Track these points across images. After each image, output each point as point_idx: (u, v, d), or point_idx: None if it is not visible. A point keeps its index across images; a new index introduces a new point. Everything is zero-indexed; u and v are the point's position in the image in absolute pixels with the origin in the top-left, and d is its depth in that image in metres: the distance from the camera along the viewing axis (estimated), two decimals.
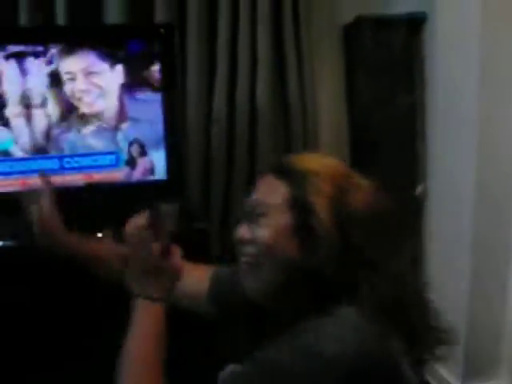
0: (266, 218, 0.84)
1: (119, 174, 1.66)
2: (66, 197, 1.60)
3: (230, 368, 0.85)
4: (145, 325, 0.84)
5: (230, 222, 2.04)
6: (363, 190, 0.84)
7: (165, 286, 0.87)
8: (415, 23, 2.02)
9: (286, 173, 0.85)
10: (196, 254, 1.62)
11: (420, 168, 2.13)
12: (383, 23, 2.01)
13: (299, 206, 0.81)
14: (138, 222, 0.87)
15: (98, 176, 1.64)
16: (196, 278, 1.07)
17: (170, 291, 0.87)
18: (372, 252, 0.80)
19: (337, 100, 2.14)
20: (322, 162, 0.87)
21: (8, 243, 1.58)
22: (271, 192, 0.85)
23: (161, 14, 1.88)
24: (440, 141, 2.03)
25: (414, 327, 0.80)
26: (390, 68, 2.06)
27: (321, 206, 0.80)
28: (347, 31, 2.08)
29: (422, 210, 2.14)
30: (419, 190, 2.10)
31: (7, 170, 1.60)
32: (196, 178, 1.97)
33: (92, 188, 1.63)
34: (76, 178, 1.63)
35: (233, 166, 2.02)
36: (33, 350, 1.54)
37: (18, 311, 1.52)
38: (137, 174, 1.67)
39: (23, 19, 1.79)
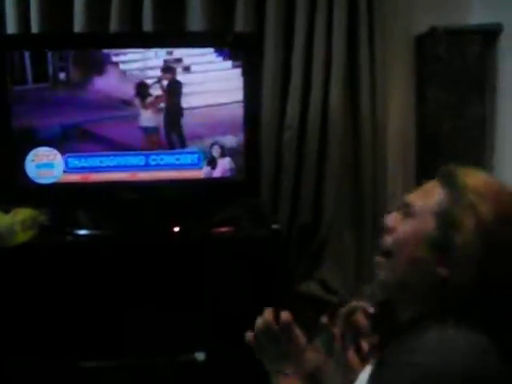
0: (413, 217, 0.87)
1: (200, 173, 1.74)
2: (150, 192, 1.70)
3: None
4: None
5: (296, 225, 2.10)
6: None
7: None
8: (490, 35, 2.03)
9: (449, 183, 0.86)
10: (272, 253, 1.71)
11: None
12: (457, 34, 2.03)
13: (444, 218, 0.83)
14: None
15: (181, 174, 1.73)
16: None
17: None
18: (505, 291, 0.81)
19: (406, 108, 2.18)
20: (488, 182, 0.86)
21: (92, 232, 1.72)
22: (428, 196, 0.87)
23: (240, 23, 1.96)
24: (508, 153, 2.03)
25: None
26: (461, 79, 2.07)
27: (468, 225, 0.80)
28: (420, 41, 2.11)
29: None
30: None
31: (97, 164, 1.70)
32: (266, 181, 2.03)
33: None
34: (160, 175, 1.72)
35: (302, 170, 2.07)
36: None
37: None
38: (217, 174, 1.74)
39: (112, 26, 1.92)
